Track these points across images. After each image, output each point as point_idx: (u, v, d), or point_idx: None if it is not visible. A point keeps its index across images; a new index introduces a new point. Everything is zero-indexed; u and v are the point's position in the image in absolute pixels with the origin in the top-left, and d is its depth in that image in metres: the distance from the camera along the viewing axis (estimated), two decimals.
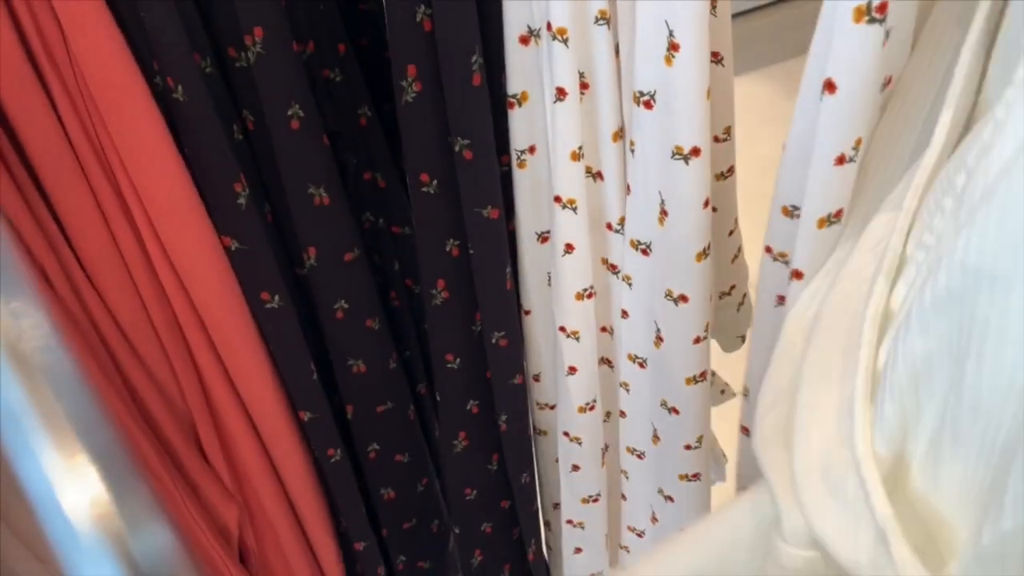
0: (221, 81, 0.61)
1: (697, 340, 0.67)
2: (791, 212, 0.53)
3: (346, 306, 0.71)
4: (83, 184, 0.59)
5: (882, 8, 0.39)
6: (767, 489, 0.43)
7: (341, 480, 0.77)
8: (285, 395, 0.71)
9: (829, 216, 0.47)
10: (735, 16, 0.66)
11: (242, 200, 0.62)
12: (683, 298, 0.65)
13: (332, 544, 0.81)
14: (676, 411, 0.72)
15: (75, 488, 0.31)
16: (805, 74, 0.45)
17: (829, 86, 0.42)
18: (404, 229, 0.78)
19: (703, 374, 0.70)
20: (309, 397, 0.72)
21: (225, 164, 0.61)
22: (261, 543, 0.80)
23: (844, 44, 0.41)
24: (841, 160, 0.44)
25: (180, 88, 0.57)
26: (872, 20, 0.39)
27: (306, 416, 0.72)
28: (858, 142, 0.43)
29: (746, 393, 0.66)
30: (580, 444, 0.77)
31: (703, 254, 0.62)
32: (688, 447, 0.74)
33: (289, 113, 0.62)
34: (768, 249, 0.57)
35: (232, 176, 0.61)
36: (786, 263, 0.56)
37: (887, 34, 0.40)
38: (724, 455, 0.95)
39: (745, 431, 0.69)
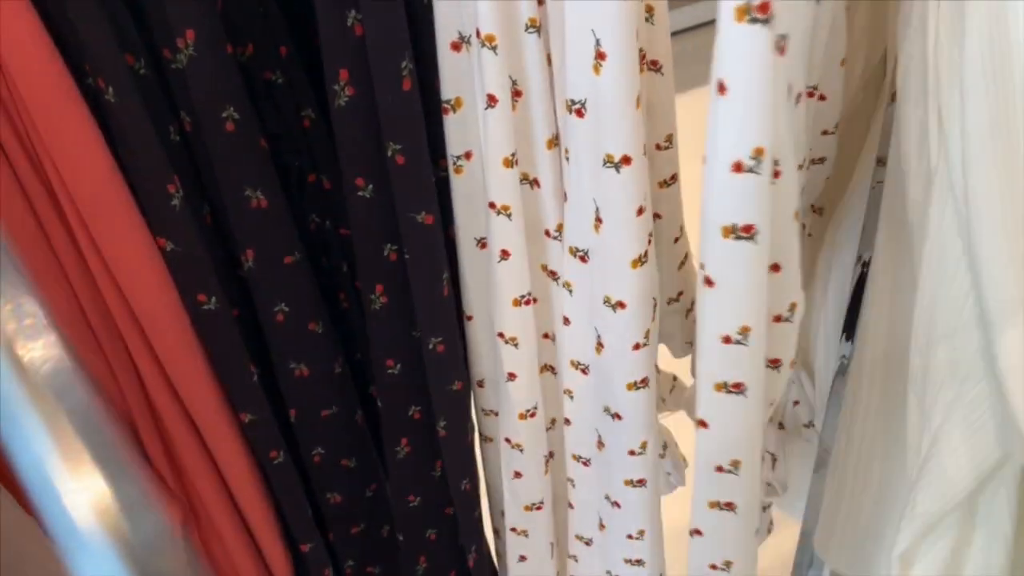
0: (156, 82, 0.61)
1: (637, 347, 0.67)
2: None
3: (287, 309, 0.71)
4: (13, 183, 0.59)
5: (763, 8, 0.39)
6: None
7: (284, 482, 0.76)
8: (226, 396, 0.71)
9: (735, 228, 0.47)
10: (691, 29, 0.67)
11: (176, 201, 0.62)
12: (620, 304, 0.64)
13: (279, 545, 0.81)
14: (619, 416, 0.72)
15: (74, 480, 0.31)
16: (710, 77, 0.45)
17: (720, 87, 0.42)
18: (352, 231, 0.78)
19: (644, 380, 0.69)
20: (249, 398, 0.71)
21: (157, 165, 0.61)
22: (207, 544, 0.80)
23: (729, 44, 0.41)
24: (738, 167, 0.44)
25: (110, 90, 0.57)
26: (755, 20, 0.39)
27: (247, 418, 0.72)
28: (757, 151, 0.43)
29: None
30: (521, 451, 0.77)
31: (639, 261, 0.62)
32: (632, 452, 0.74)
33: (223, 115, 0.62)
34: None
35: (165, 177, 0.61)
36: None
37: (781, 39, 0.40)
38: (685, 459, 0.95)
39: None
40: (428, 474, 0.81)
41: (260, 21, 0.65)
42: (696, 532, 0.67)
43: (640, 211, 0.60)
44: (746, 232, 0.47)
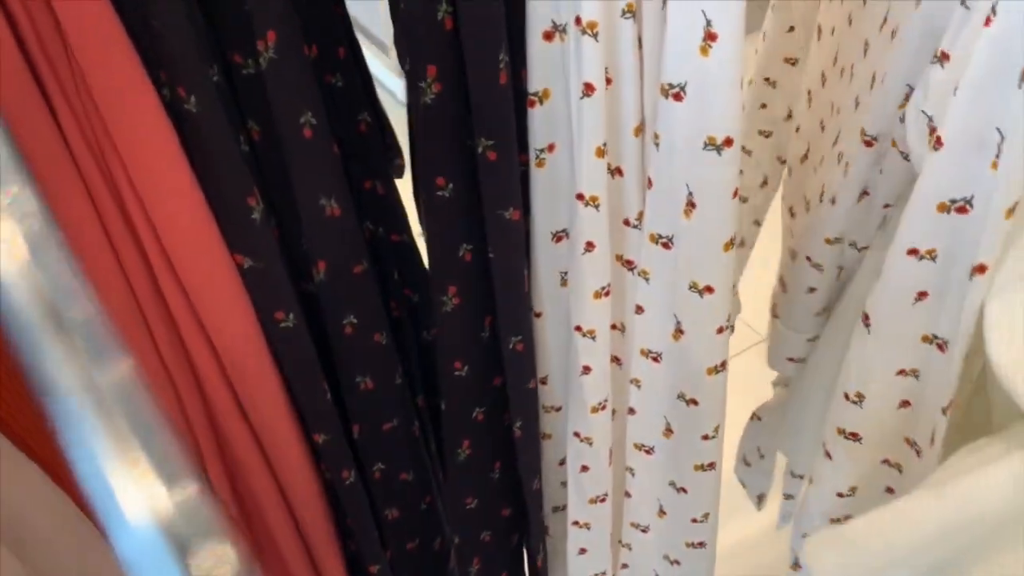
0: (227, 90, 0.58)
1: (720, 330, 0.67)
2: None
3: (355, 321, 0.68)
4: (85, 200, 0.55)
5: None
6: None
7: (355, 502, 0.74)
8: (298, 419, 0.68)
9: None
10: None
11: (256, 215, 0.59)
12: (708, 289, 0.65)
13: (341, 569, 0.78)
14: (695, 402, 0.72)
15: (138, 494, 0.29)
16: None
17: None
18: (403, 237, 0.75)
19: (723, 363, 0.70)
20: (323, 418, 0.68)
21: (239, 178, 0.58)
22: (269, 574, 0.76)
23: None
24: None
25: (192, 99, 0.54)
26: None
27: (321, 439, 0.69)
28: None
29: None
30: (591, 444, 0.77)
31: (731, 243, 0.63)
32: (706, 437, 0.74)
33: (302, 121, 0.59)
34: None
35: (246, 190, 0.58)
36: None
37: None
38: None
39: None
40: (487, 476, 0.80)
41: (321, 22, 0.62)
42: None
43: (736, 193, 0.61)
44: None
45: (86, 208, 0.55)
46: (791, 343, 0.88)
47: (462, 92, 0.59)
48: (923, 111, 0.58)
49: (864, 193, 0.70)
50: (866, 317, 0.66)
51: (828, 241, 0.76)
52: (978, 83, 0.53)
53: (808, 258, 0.79)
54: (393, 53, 0.62)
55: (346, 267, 0.66)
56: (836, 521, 0.77)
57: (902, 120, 0.61)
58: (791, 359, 0.90)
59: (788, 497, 1.07)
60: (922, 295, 0.62)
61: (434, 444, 0.84)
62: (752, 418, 1.04)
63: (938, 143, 0.56)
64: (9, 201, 0.33)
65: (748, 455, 1.08)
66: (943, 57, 0.56)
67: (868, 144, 0.67)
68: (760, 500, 1.11)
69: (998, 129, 0.53)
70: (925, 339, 0.64)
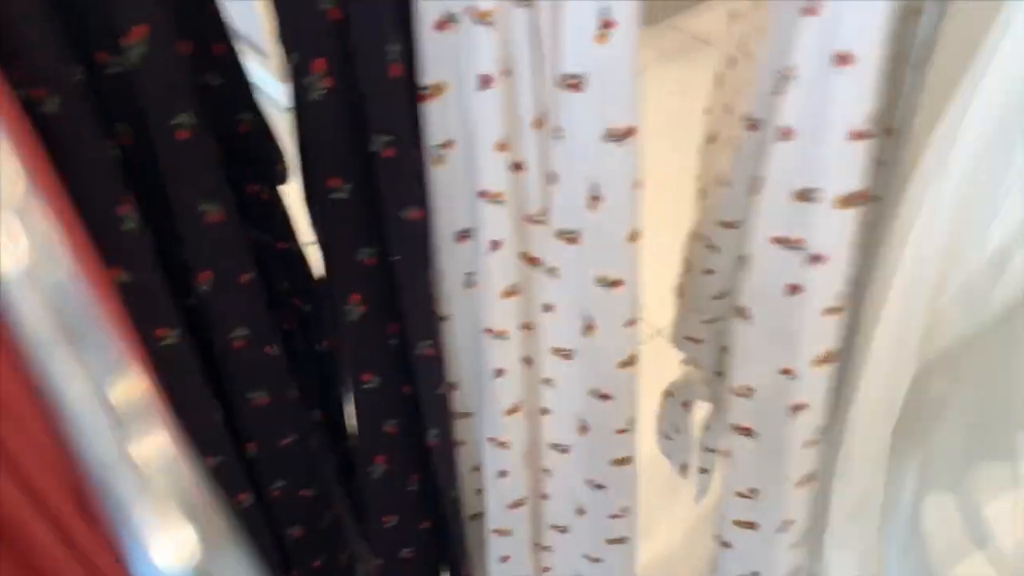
0: (91, 91, 0.53)
1: (630, 323, 0.66)
2: None
3: (245, 333, 0.64)
4: None
5: None
6: None
7: (254, 525, 0.69)
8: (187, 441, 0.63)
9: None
10: None
11: (130, 225, 0.54)
12: (617, 283, 0.63)
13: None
14: (608, 397, 0.71)
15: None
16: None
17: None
18: (290, 244, 0.72)
19: (633, 356, 0.69)
20: (215, 439, 0.64)
21: (109, 185, 0.53)
22: None
23: None
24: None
25: (56, 100, 0.48)
26: None
27: (213, 461, 0.64)
28: None
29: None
30: (508, 448, 0.75)
31: (636, 235, 0.61)
32: (621, 431, 0.73)
33: (175, 122, 0.54)
34: None
35: (117, 198, 0.53)
36: None
37: None
38: None
39: None
40: (405, 490, 0.76)
41: (193, 18, 0.58)
42: None
43: (639, 184, 0.59)
44: None
45: None
46: (690, 323, 0.88)
47: (355, 87, 0.55)
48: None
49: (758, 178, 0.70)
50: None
51: (724, 224, 0.76)
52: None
53: (706, 239, 0.79)
54: (275, 58, 0.59)
55: (232, 277, 0.61)
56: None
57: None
58: (690, 339, 0.90)
59: (703, 471, 1.08)
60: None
61: (336, 458, 0.80)
62: (666, 395, 1.05)
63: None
64: None
65: (668, 430, 1.09)
66: None
67: (751, 128, 0.66)
68: (683, 470, 1.12)
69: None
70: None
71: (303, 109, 0.56)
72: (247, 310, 0.64)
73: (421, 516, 0.79)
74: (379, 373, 0.68)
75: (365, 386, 0.68)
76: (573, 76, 0.55)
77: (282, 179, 0.69)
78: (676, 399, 1.04)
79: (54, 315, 0.28)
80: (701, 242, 0.81)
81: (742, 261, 0.77)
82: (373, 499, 0.75)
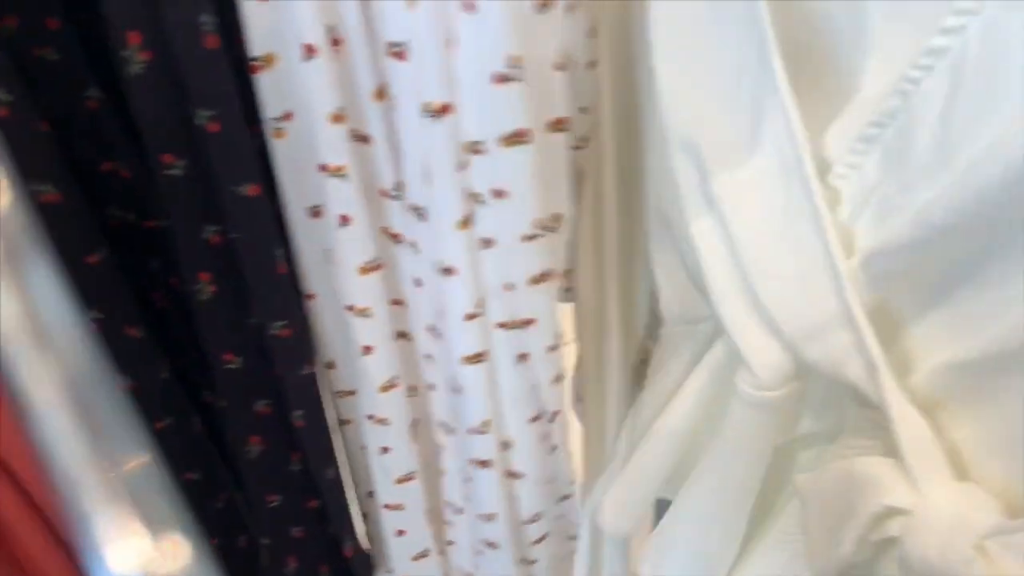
0: None
1: (470, 317, 0.64)
2: None
3: (99, 315, 0.63)
4: None
5: None
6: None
7: None
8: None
9: None
10: None
11: None
12: (449, 270, 0.62)
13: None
14: (459, 390, 0.69)
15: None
16: None
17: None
18: (160, 222, 0.70)
19: (479, 355, 0.66)
20: None
21: None
22: None
23: None
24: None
25: None
26: None
27: None
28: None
29: None
30: (388, 424, 0.73)
31: (465, 223, 0.59)
32: (473, 431, 0.71)
33: None
34: None
35: None
36: None
37: None
38: None
39: None
40: (286, 469, 0.75)
41: None
42: None
43: (461, 166, 0.57)
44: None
45: None
46: None
47: (175, 60, 0.54)
48: None
49: None
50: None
51: None
52: None
53: None
54: None
55: (76, 258, 0.60)
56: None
57: None
58: None
59: None
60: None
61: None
62: None
63: None
64: None
65: None
66: None
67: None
68: None
69: None
70: None
71: (127, 84, 0.55)
72: (99, 291, 0.62)
73: (307, 495, 0.78)
74: (240, 354, 0.66)
75: (228, 366, 0.67)
76: (396, 44, 0.53)
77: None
78: None
79: None
80: None
81: None
82: (252, 479, 0.74)
